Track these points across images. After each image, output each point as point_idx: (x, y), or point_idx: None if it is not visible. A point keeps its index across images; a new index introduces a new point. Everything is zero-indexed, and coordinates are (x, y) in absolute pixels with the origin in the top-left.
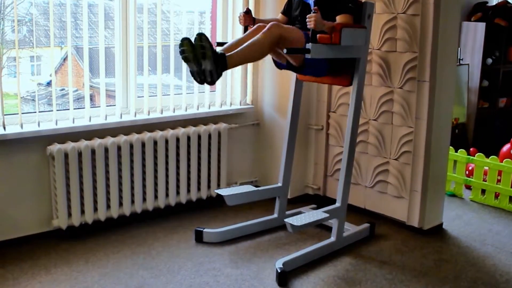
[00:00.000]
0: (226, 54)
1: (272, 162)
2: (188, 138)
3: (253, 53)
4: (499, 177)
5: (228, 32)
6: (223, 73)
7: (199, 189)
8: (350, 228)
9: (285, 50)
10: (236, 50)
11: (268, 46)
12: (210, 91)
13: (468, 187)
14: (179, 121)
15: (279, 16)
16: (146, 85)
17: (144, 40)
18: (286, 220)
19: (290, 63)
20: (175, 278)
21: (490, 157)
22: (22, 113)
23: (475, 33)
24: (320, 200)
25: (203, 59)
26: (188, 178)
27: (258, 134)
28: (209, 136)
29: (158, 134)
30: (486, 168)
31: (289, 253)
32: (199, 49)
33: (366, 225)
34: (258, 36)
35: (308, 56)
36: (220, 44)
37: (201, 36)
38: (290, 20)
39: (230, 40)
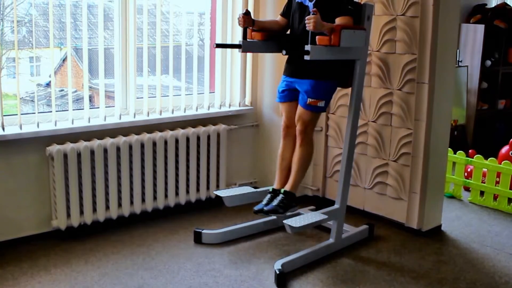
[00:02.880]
0: (286, 189)
1: (271, 163)
2: (187, 139)
3: (306, 168)
4: (498, 179)
5: (227, 33)
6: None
7: (198, 190)
8: (349, 230)
9: (283, 52)
10: (291, 178)
11: (312, 147)
12: (210, 92)
13: (467, 189)
14: (178, 122)
15: (279, 18)
16: (146, 86)
17: (143, 41)
18: (285, 221)
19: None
20: (174, 279)
21: (489, 159)
22: (22, 114)
23: (474, 35)
24: (319, 202)
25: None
26: (187, 179)
27: (257, 135)
28: (208, 137)
29: (157, 135)
30: (485, 169)
31: (288, 254)
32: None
33: (365, 226)
34: (297, 153)
35: (307, 57)
36: (219, 45)
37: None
38: (290, 21)
39: (229, 41)
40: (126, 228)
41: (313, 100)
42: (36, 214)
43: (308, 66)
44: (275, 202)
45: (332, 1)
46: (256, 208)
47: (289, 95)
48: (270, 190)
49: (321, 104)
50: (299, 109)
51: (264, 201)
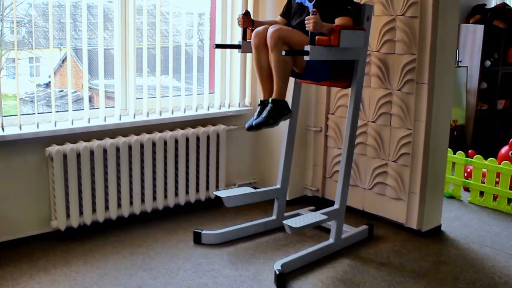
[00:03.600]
0: (273, 97)
1: (271, 164)
2: (187, 139)
3: (285, 72)
4: (497, 179)
5: (227, 33)
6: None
7: (197, 190)
8: (349, 230)
9: (283, 52)
10: (274, 87)
11: (286, 56)
12: (209, 93)
13: (467, 189)
14: (178, 123)
15: (278, 18)
16: (145, 87)
17: (143, 41)
18: (284, 222)
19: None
20: (174, 279)
21: (488, 159)
22: (21, 115)
23: (474, 35)
24: (319, 202)
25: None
26: (187, 180)
27: (257, 135)
28: (208, 137)
29: (157, 135)
30: (485, 170)
31: (288, 255)
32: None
33: (365, 227)
34: (272, 59)
35: (306, 58)
36: (218, 46)
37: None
38: (289, 22)
39: (228, 42)
40: (126, 228)
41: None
42: (36, 215)
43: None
44: (264, 114)
45: (331, 2)
46: (247, 125)
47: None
48: (258, 103)
49: (307, 48)
50: None
51: (255, 116)
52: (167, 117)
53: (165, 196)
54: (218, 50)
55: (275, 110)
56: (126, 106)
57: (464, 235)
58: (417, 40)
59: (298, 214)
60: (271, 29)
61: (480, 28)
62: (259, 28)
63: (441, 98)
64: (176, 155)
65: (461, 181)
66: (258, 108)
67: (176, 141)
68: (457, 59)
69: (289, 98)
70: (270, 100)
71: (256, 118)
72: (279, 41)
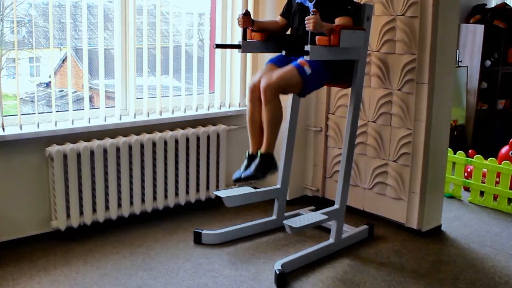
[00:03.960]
0: (262, 151)
1: None
2: (187, 139)
3: (277, 127)
4: (497, 179)
5: (227, 33)
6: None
7: (198, 190)
8: (349, 230)
9: (283, 52)
10: (264, 140)
11: (279, 106)
12: (210, 93)
13: (467, 189)
14: (178, 123)
15: (278, 18)
16: (146, 87)
17: (143, 41)
18: (284, 221)
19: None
20: (174, 279)
21: (488, 159)
22: (21, 114)
23: (474, 35)
24: (319, 202)
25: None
26: (187, 180)
27: None
28: (208, 137)
29: (157, 135)
30: (485, 170)
31: (288, 255)
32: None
33: (365, 226)
34: (264, 114)
35: (307, 58)
36: (218, 46)
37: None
38: (289, 22)
39: (228, 42)
40: (126, 228)
41: (303, 61)
42: (36, 215)
43: None
44: (252, 167)
45: (331, 2)
46: (234, 177)
47: (281, 62)
48: (246, 156)
49: (308, 70)
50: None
51: (242, 168)
52: (167, 117)
53: (165, 196)
54: (218, 50)
55: (264, 164)
56: (126, 106)
57: (464, 235)
58: (417, 40)
59: (298, 214)
60: (263, 83)
61: (480, 28)
62: (255, 80)
63: (441, 98)
64: (176, 155)
65: (461, 181)
66: (245, 161)
67: (176, 141)
68: (457, 59)
69: (289, 98)
70: (259, 153)
71: (244, 171)
72: (273, 95)
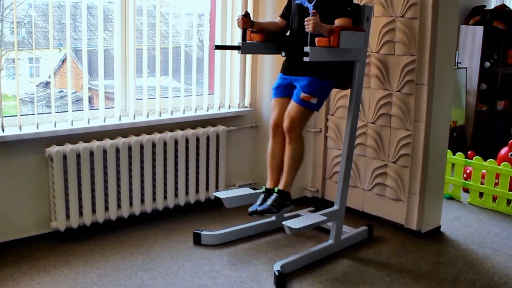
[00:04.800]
0: (280, 188)
1: None
2: (187, 140)
3: (298, 165)
4: (497, 180)
5: (227, 34)
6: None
7: (197, 191)
8: (348, 231)
9: (283, 53)
10: (283, 177)
11: (302, 147)
12: (209, 94)
13: (466, 190)
14: (178, 124)
15: (278, 19)
16: (145, 88)
17: (143, 42)
18: (284, 222)
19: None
20: (173, 280)
21: (487, 160)
22: (21, 115)
23: (473, 36)
24: (319, 203)
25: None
26: (187, 180)
27: (257, 136)
28: (208, 138)
29: (156, 136)
30: (484, 171)
31: (288, 256)
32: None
33: (364, 227)
34: (287, 152)
35: (306, 59)
36: (218, 47)
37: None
38: (289, 23)
39: (228, 43)
40: (125, 229)
41: (306, 95)
42: (35, 215)
43: (306, 65)
44: (269, 202)
45: (331, 3)
46: (250, 209)
47: (284, 91)
48: (263, 190)
49: (314, 101)
50: (291, 104)
51: (258, 201)
52: (167, 118)
53: (165, 197)
54: (217, 51)
55: (280, 201)
56: (126, 106)
57: (463, 236)
58: (416, 41)
59: (297, 215)
60: (286, 124)
61: (479, 29)
62: (274, 117)
63: (440, 99)
64: (176, 156)
65: (460, 182)
66: (262, 195)
67: (176, 142)
68: (456, 60)
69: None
70: (276, 190)
71: (260, 205)
72: (298, 134)
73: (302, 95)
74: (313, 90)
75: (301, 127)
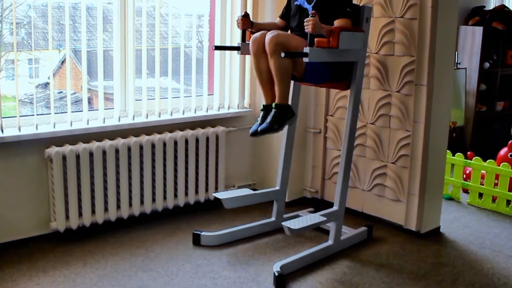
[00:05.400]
0: (276, 102)
1: (270, 165)
2: (186, 141)
3: (286, 76)
4: (496, 181)
5: (226, 35)
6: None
7: (197, 192)
8: (348, 232)
9: (282, 54)
10: (277, 92)
11: (285, 61)
12: (208, 95)
13: (466, 191)
14: (177, 124)
15: (277, 20)
16: (144, 88)
17: (142, 43)
18: (283, 223)
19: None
20: (173, 281)
21: (487, 161)
22: (20, 116)
23: (472, 37)
24: (318, 203)
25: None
26: (186, 181)
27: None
28: (207, 139)
29: (156, 137)
30: (484, 171)
31: (287, 256)
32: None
33: (364, 228)
34: (272, 66)
35: (306, 60)
36: (217, 48)
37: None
38: (289, 24)
39: (227, 43)
40: (125, 230)
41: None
42: (35, 216)
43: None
44: (269, 119)
45: (330, 4)
46: (251, 130)
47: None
48: (262, 108)
49: (306, 50)
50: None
51: (258, 121)
52: (166, 119)
53: (164, 198)
54: (217, 52)
55: (279, 115)
56: (125, 107)
57: (463, 236)
58: (416, 41)
59: (297, 216)
60: (269, 35)
61: (479, 30)
62: (257, 35)
63: (440, 100)
64: (175, 157)
65: (460, 183)
66: (261, 113)
67: (175, 143)
68: (456, 61)
69: (288, 99)
70: (273, 105)
71: (260, 124)
72: (278, 47)
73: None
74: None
75: (284, 42)
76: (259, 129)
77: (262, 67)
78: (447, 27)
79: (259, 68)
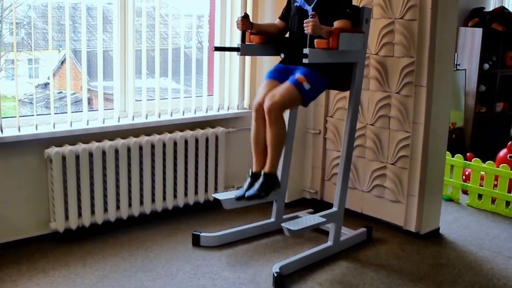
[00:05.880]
0: (266, 171)
1: None
2: (186, 141)
3: (281, 147)
4: (495, 182)
5: (226, 36)
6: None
7: (196, 192)
8: (347, 232)
9: (282, 55)
10: (268, 160)
11: (282, 126)
12: (208, 95)
13: (465, 192)
14: (177, 125)
15: (277, 21)
16: (144, 89)
17: (142, 43)
18: (283, 224)
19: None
20: (172, 281)
21: (486, 162)
22: (20, 116)
23: (472, 38)
24: (318, 204)
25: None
26: (186, 182)
27: None
28: (207, 140)
29: (155, 137)
30: (483, 173)
31: (286, 257)
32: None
33: (363, 229)
34: (268, 135)
35: (305, 61)
36: (217, 48)
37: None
38: (288, 25)
39: (227, 44)
40: (125, 230)
41: (302, 76)
42: (34, 216)
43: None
44: (256, 186)
45: (330, 5)
46: (236, 195)
47: (280, 75)
48: (249, 174)
49: (306, 86)
50: (282, 84)
51: (245, 186)
52: (166, 119)
53: (164, 198)
54: (217, 53)
55: (267, 184)
56: (125, 108)
57: (462, 237)
58: (415, 43)
59: (296, 217)
60: (267, 105)
61: (478, 31)
62: (259, 99)
63: (439, 101)
64: (175, 157)
65: (459, 184)
66: (249, 179)
67: (175, 143)
68: (455, 62)
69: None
70: (262, 173)
71: (247, 190)
72: (277, 116)
73: (298, 75)
74: (310, 77)
75: (283, 108)
76: (246, 194)
77: (261, 136)
78: (447, 28)
79: (257, 135)
